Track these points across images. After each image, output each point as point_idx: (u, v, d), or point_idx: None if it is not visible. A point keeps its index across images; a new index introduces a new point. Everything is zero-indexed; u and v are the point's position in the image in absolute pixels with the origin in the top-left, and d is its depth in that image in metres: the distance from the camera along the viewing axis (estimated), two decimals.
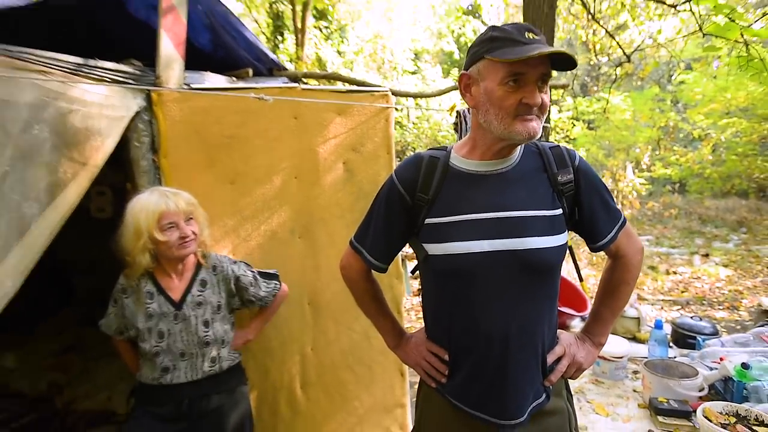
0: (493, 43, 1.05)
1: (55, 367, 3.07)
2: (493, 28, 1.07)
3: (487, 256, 1.10)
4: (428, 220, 1.16)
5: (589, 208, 1.20)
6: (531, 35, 1.03)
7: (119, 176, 2.17)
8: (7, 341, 3.32)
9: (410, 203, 1.19)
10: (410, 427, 2.35)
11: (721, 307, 5.43)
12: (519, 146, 1.17)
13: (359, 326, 2.19)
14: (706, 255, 7.86)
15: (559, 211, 1.16)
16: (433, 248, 1.14)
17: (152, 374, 1.64)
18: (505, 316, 1.12)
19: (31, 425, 2.70)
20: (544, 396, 1.20)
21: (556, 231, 1.14)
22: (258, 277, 1.81)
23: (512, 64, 1.01)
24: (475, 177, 1.16)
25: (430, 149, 1.25)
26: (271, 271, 1.88)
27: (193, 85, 1.85)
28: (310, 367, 2.09)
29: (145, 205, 1.55)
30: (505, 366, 1.13)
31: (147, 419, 1.64)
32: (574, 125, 11.61)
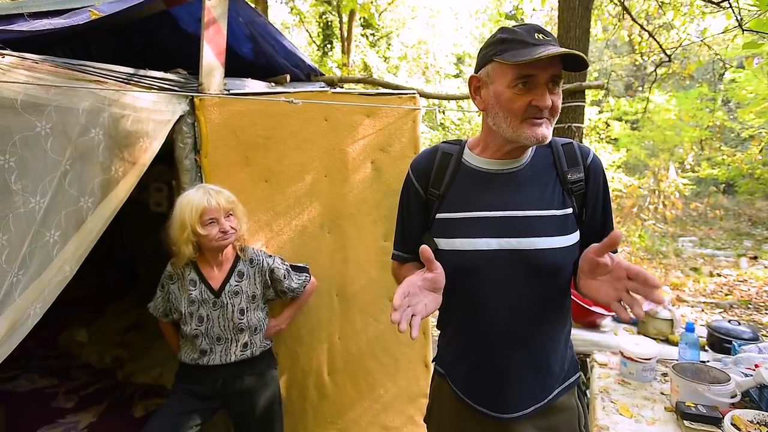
0: (502, 45, 1.00)
1: (119, 343, 3.28)
2: (503, 30, 1.02)
3: (494, 254, 1.06)
4: (439, 215, 1.13)
5: (591, 208, 1.12)
6: (541, 36, 0.97)
7: (174, 174, 2.28)
8: (81, 318, 3.59)
9: (424, 198, 1.16)
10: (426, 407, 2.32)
11: None
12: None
13: (385, 317, 2.18)
14: (755, 257, 7.23)
15: (569, 211, 1.09)
16: (443, 243, 1.11)
17: (192, 355, 1.71)
18: (508, 313, 1.07)
19: (96, 393, 2.89)
20: (554, 393, 1.13)
21: (566, 231, 1.07)
22: (290, 270, 1.84)
23: (521, 66, 0.95)
24: (486, 175, 1.11)
25: (444, 142, 1.20)
26: (301, 265, 1.91)
27: (231, 91, 1.90)
28: (337, 355, 2.10)
29: (190, 201, 1.61)
30: (507, 364, 1.08)
31: (186, 395, 1.71)
32: (608, 125, 11.03)
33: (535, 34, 0.97)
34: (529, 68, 0.96)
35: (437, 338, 1.31)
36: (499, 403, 1.10)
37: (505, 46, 0.99)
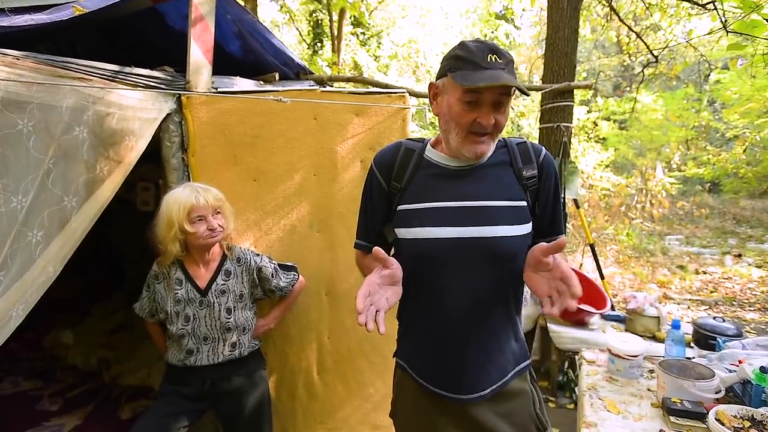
0: (456, 62, 1.06)
1: (105, 344, 3.23)
2: (461, 45, 1.08)
3: (452, 242, 1.11)
4: (400, 207, 1.18)
5: (542, 204, 1.20)
6: (494, 58, 1.03)
7: (161, 173, 2.26)
8: (67, 320, 3.53)
9: (387, 190, 1.22)
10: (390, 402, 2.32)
11: (752, 309, 5.08)
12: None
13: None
14: (739, 255, 7.36)
15: (524, 203, 1.16)
16: (403, 232, 1.17)
17: (178, 355, 1.69)
18: (467, 299, 1.13)
19: (82, 396, 2.85)
20: (509, 375, 1.19)
21: (520, 221, 1.14)
22: (278, 268, 1.83)
23: (465, 88, 1.02)
24: (446, 170, 1.17)
25: (408, 139, 1.27)
26: (289, 264, 1.90)
27: (219, 89, 1.88)
28: (327, 355, 2.10)
29: (178, 198, 1.59)
30: (465, 348, 1.14)
31: (173, 397, 1.69)
32: (596, 125, 11.15)
33: (489, 56, 1.03)
34: (475, 90, 1.03)
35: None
36: (458, 385, 1.15)
37: (459, 63, 1.05)
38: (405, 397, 1.28)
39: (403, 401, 1.30)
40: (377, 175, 1.24)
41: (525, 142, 1.22)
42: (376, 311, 0.98)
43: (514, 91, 1.07)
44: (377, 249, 1.01)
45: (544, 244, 1.02)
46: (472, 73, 1.02)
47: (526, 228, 1.15)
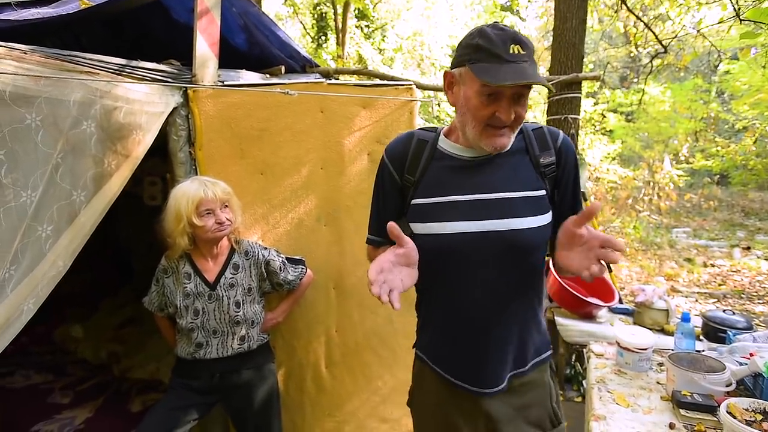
0: (476, 53, 1.00)
1: (114, 338, 3.26)
2: (481, 33, 1.01)
3: (470, 236, 1.08)
4: (414, 201, 1.15)
5: (562, 191, 1.16)
6: (516, 49, 0.97)
7: (168, 167, 2.26)
8: (76, 314, 3.56)
9: (399, 183, 1.18)
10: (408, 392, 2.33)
11: (761, 301, 5.04)
12: None
13: (383, 310, 2.18)
14: (748, 248, 7.30)
15: (543, 192, 1.12)
16: (419, 228, 1.13)
17: (188, 349, 1.69)
18: (486, 293, 1.10)
19: (92, 389, 2.88)
20: (528, 365, 1.18)
21: (541, 211, 1.10)
22: (286, 262, 1.83)
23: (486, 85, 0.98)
24: (461, 161, 1.14)
25: (420, 129, 1.23)
26: (297, 257, 1.90)
27: (225, 82, 1.87)
28: (335, 348, 2.10)
29: (186, 192, 1.59)
30: (484, 341, 1.12)
31: (183, 390, 1.70)
32: (603, 117, 11.05)
33: (511, 47, 0.97)
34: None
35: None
36: (478, 378, 1.14)
37: (479, 55, 0.99)
38: (423, 387, 1.27)
39: (421, 391, 1.29)
40: (389, 167, 1.20)
41: (541, 127, 1.17)
42: (390, 290, 0.93)
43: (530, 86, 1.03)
44: (392, 224, 0.97)
45: (575, 216, 0.96)
46: (494, 67, 0.97)
47: (545, 218, 1.11)
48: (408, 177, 1.16)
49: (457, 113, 1.11)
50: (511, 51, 0.97)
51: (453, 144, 1.15)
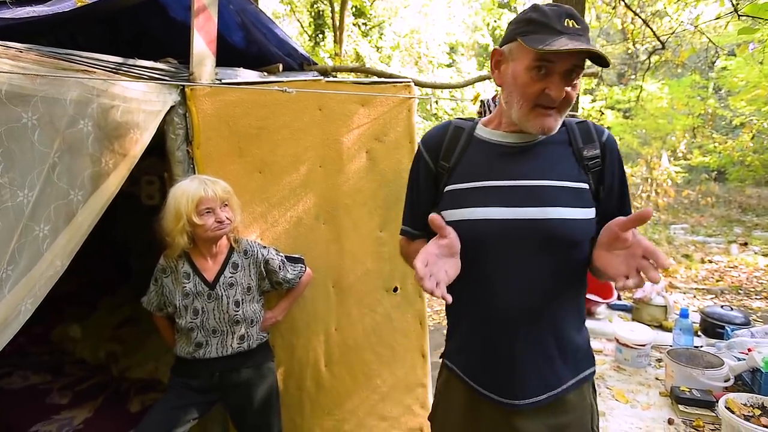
0: (528, 25, 0.95)
1: (113, 338, 3.25)
2: (534, 8, 0.97)
3: (506, 223, 1.00)
4: (448, 187, 1.08)
5: (608, 188, 1.08)
6: (571, 23, 0.93)
7: (166, 166, 2.25)
8: (75, 314, 3.55)
9: (434, 171, 1.13)
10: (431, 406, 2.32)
11: (758, 297, 5.05)
12: None
13: (382, 308, 2.18)
14: (745, 244, 7.32)
15: (585, 186, 1.04)
16: (450, 215, 1.05)
17: (187, 348, 1.69)
18: (520, 292, 1.02)
19: (91, 389, 2.88)
20: (569, 383, 1.06)
21: (582, 204, 1.02)
22: (285, 261, 1.82)
23: (541, 52, 0.92)
24: (499, 147, 1.07)
25: (458, 118, 1.18)
26: (296, 256, 1.90)
27: (223, 80, 1.86)
28: (334, 346, 2.10)
29: (186, 190, 1.59)
30: (516, 345, 1.03)
31: (183, 389, 1.70)
32: (601, 113, 11.06)
33: (565, 21, 0.93)
34: (549, 56, 0.93)
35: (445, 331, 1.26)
36: (509, 388, 1.04)
37: (532, 27, 0.95)
38: (448, 400, 1.18)
39: (445, 405, 1.20)
40: (424, 156, 1.14)
41: (585, 121, 1.11)
42: (437, 282, 0.87)
43: (583, 63, 0.95)
44: (434, 215, 0.93)
45: (623, 217, 0.89)
46: (548, 37, 0.91)
47: (588, 212, 1.02)
48: (443, 164, 1.11)
49: (503, 94, 1.05)
50: (565, 24, 0.93)
51: (492, 131, 1.10)
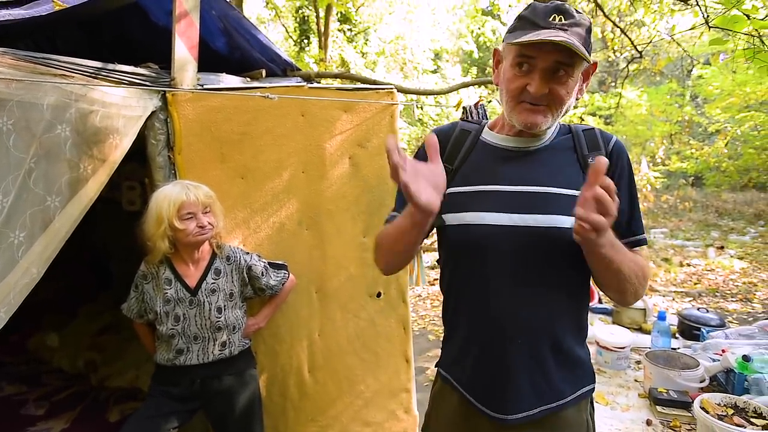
0: (517, 22, 0.96)
1: (92, 346, 3.18)
2: (529, 6, 0.98)
3: (505, 229, 0.97)
4: (449, 190, 1.03)
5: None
6: (559, 18, 0.91)
7: (147, 172, 2.23)
8: (53, 322, 3.47)
9: None
10: (415, 410, 2.32)
11: (734, 299, 5.19)
12: (552, 127, 1.05)
13: (365, 314, 2.18)
14: (721, 247, 7.52)
15: None
16: (450, 218, 1.03)
17: (167, 355, 1.67)
18: (516, 302, 0.98)
19: (68, 399, 2.81)
20: (567, 399, 1.01)
21: None
22: (268, 267, 1.82)
23: (521, 46, 0.91)
24: (503, 151, 1.06)
25: (464, 121, 1.16)
26: (279, 262, 1.89)
27: (205, 86, 1.85)
28: (318, 352, 2.09)
29: (168, 195, 1.58)
30: (512, 354, 0.99)
31: (163, 398, 1.67)
32: (582, 120, 11.27)
33: (553, 16, 0.91)
34: (530, 50, 0.92)
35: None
36: (502, 401, 1.00)
37: (519, 23, 0.95)
38: (442, 412, 1.14)
39: (436, 416, 1.16)
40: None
41: (593, 128, 1.09)
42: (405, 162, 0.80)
43: (571, 60, 0.92)
44: (430, 136, 0.89)
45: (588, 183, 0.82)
46: (527, 32, 0.91)
47: None
48: (446, 165, 1.04)
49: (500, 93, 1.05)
50: (550, 19, 0.91)
51: (496, 134, 1.09)
